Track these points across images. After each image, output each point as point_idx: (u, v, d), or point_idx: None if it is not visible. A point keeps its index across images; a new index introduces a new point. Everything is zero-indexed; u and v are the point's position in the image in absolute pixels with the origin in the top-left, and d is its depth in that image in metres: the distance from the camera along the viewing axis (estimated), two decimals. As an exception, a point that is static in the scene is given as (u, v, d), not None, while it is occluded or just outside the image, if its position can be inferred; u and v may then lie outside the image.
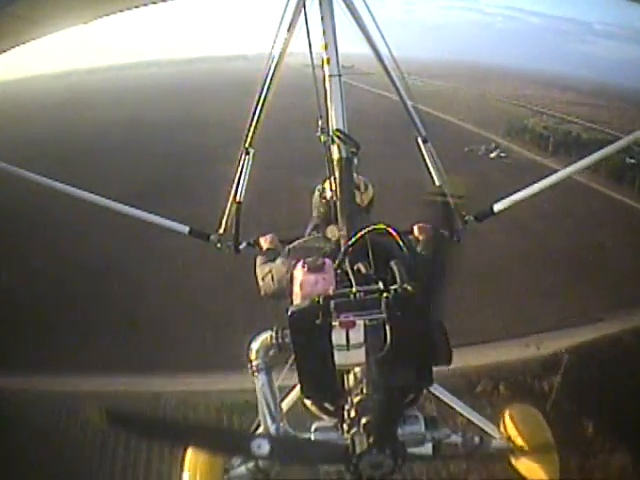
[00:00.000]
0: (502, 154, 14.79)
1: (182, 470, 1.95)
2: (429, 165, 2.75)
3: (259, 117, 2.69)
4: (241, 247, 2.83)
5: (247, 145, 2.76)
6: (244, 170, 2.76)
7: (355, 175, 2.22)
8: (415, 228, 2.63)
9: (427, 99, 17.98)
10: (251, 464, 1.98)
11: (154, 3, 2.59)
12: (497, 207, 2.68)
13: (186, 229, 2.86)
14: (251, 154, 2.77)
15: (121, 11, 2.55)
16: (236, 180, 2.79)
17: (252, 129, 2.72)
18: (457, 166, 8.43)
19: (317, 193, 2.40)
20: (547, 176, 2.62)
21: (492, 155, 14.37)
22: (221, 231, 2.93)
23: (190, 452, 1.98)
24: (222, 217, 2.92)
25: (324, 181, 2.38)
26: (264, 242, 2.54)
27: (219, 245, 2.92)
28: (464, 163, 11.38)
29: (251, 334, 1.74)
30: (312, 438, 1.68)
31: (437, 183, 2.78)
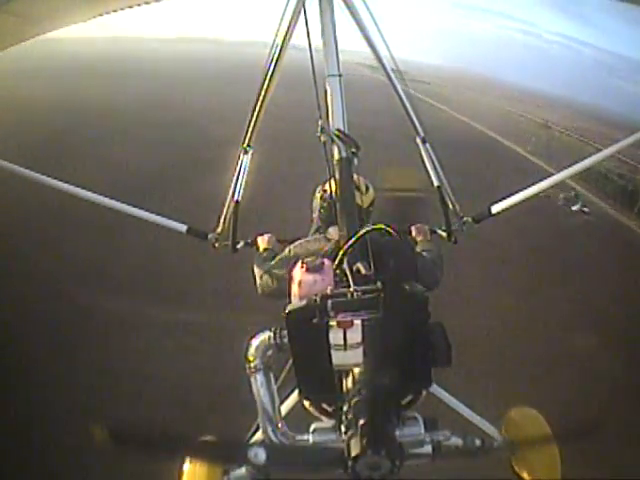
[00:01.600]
0: (585, 208, 10.54)
1: (181, 470, 1.94)
2: (427, 166, 2.75)
3: (258, 115, 2.69)
4: (238, 246, 2.82)
5: (246, 144, 2.76)
6: (242, 169, 2.77)
7: (356, 176, 2.21)
8: (413, 229, 2.63)
9: (490, 121, 16.72)
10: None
11: (156, 0, 2.58)
12: (495, 208, 2.67)
13: (184, 228, 2.86)
14: (250, 153, 2.77)
15: (122, 9, 2.55)
16: (234, 179, 2.79)
17: (251, 128, 2.72)
18: (532, 217, 7.42)
19: (317, 195, 2.40)
20: (547, 177, 2.61)
21: (574, 208, 10.25)
22: (219, 230, 2.93)
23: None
24: (220, 216, 2.92)
25: (324, 182, 2.37)
26: (262, 242, 2.55)
27: (216, 244, 2.92)
28: (539, 215, 8.07)
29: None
30: (310, 440, 1.67)
31: (435, 184, 2.78)
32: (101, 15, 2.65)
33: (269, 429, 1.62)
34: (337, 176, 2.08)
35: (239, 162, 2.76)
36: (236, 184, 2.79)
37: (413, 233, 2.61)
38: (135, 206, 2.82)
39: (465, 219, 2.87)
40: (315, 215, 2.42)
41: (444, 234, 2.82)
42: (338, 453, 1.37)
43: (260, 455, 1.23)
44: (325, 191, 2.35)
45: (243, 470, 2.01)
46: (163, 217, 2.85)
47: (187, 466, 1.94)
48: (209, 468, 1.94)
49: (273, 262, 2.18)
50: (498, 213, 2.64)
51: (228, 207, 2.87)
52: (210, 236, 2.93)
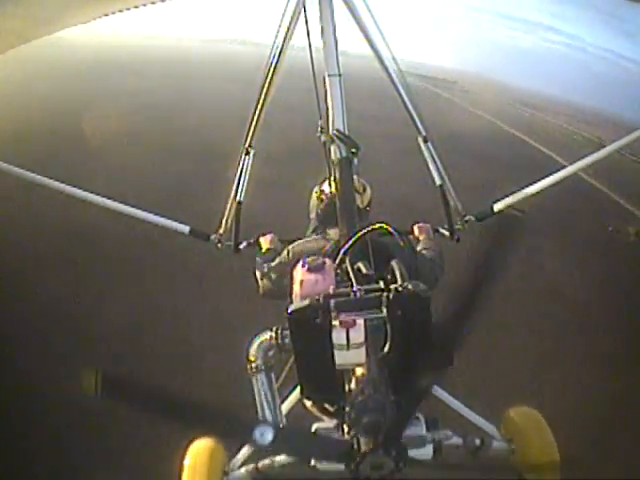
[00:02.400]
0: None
1: (181, 470, 1.94)
2: (430, 165, 2.76)
3: (259, 117, 2.70)
4: (241, 247, 2.83)
5: (247, 145, 2.76)
6: (244, 170, 2.77)
7: (354, 177, 2.22)
8: (415, 228, 2.64)
9: (545, 139, 14.54)
10: (251, 465, 1.98)
11: (153, 3, 2.59)
12: (497, 207, 2.68)
13: (186, 229, 2.86)
14: (251, 154, 2.77)
15: (120, 11, 2.56)
16: (236, 180, 2.80)
17: (252, 129, 2.72)
18: (597, 256, 6.63)
19: (314, 195, 2.40)
20: (547, 176, 2.62)
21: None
22: (221, 231, 2.94)
23: (189, 452, 1.98)
24: (222, 217, 2.93)
25: (322, 182, 2.38)
26: (264, 242, 2.55)
27: (219, 245, 2.93)
28: (605, 253, 6.76)
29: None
30: (314, 434, 1.67)
31: (438, 183, 2.78)
32: (100, 17, 2.66)
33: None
34: (337, 176, 2.09)
35: (240, 163, 2.77)
36: (238, 185, 2.80)
37: (416, 232, 2.61)
38: (138, 207, 2.83)
39: (468, 217, 2.88)
40: (312, 215, 2.42)
41: (447, 233, 2.84)
42: (344, 447, 1.37)
43: (267, 435, 1.22)
44: (322, 191, 2.35)
45: (242, 471, 2.02)
46: (165, 218, 2.86)
47: (187, 464, 1.95)
48: (209, 467, 1.94)
49: (273, 263, 2.18)
50: (500, 211, 2.65)
51: (230, 208, 2.88)
52: (212, 237, 2.93)
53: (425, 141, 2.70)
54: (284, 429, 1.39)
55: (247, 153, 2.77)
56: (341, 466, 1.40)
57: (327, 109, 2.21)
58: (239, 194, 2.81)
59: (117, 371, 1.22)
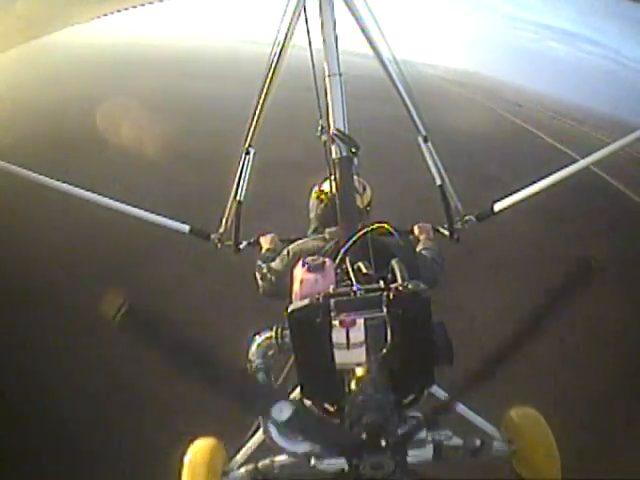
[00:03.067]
0: None
1: (181, 470, 1.94)
2: (430, 164, 2.76)
3: (259, 117, 2.70)
4: (241, 247, 2.83)
5: (247, 144, 2.76)
6: (244, 170, 2.77)
7: (355, 176, 2.22)
8: (415, 228, 2.64)
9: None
10: (251, 465, 1.98)
11: (150, 3, 2.58)
12: (498, 207, 2.68)
13: (186, 228, 2.86)
14: (251, 154, 2.77)
15: (119, 11, 2.55)
16: (236, 179, 2.80)
17: (252, 129, 2.73)
18: None
19: (314, 194, 2.40)
20: (548, 175, 2.61)
21: None
22: (221, 230, 2.94)
23: (189, 452, 1.98)
24: (222, 217, 2.93)
25: (322, 182, 2.38)
26: (264, 242, 2.55)
27: (219, 245, 2.93)
28: None
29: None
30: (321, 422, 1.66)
31: (438, 182, 2.78)
32: (99, 17, 2.65)
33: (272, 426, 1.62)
34: (337, 176, 2.08)
35: (241, 162, 2.77)
36: (238, 184, 2.80)
37: (416, 232, 2.61)
38: (137, 207, 2.83)
39: (467, 218, 2.88)
40: (312, 215, 2.42)
41: (447, 232, 2.83)
42: (350, 440, 1.36)
43: (285, 412, 1.19)
44: (322, 191, 2.35)
45: (242, 471, 2.02)
46: (165, 217, 2.86)
47: (187, 463, 1.95)
48: (209, 466, 1.95)
49: (274, 262, 2.18)
50: (500, 211, 2.65)
51: (230, 207, 2.88)
52: (213, 236, 2.93)
53: (425, 141, 2.70)
54: (304, 410, 1.36)
55: (247, 153, 2.77)
56: (341, 463, 1.40)
57: (327, 109, 2.21)
58: (239, 194, 2.81)
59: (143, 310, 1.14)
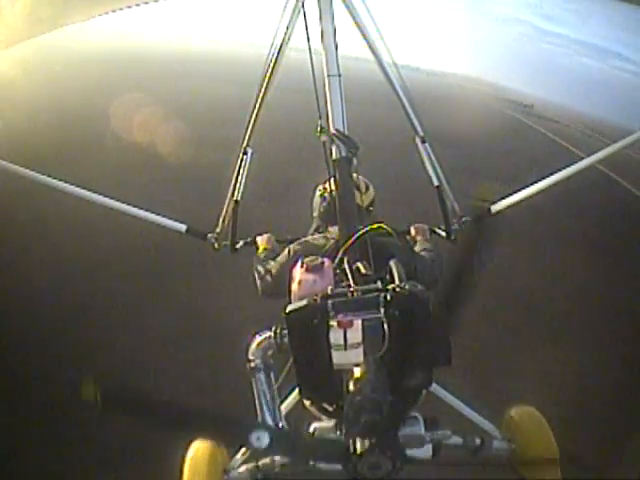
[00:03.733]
0: None
1: (181, 470, 1.95)
2: (427, 165, 2.76)
3: (257, 117, 2.70)
4: (238, 246, 2.83)
5: (245, 145, 2.77)
6: (241, 170, 2.78)
7: (355, 176, 2.22)
8: (412, 228, 2.64)
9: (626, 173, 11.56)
10: (251, 464, 1.98)
11: (146, 3, 2.58)
12: (495, 208, 2.68)
13: (183, 227, 2.87)
14: (249, 154, 2.78)
15: (120, 9, 2.55)
16: (233, 179, 2.80)
17: (249, 129, 2.73)
18: None
19: (317, 193, 2.41)
20: (548, 176, 2.61)
21: None
22: (218, 230, 2.94)
23: (190, 452, 1.98)
24: (219, 216, 2.94)
25: (325, 181, 2.38)
26: (261, 241, 2.56)
27: (216, 244, 2.93)
28: None
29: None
30: (312, 436, 1.68)
31: (435, 183, 2.78)
32: (100, 15, 2.66)
33: (269, 427, 1.62)
34: (337, 176, 2.09)
35: (238, 162, 2.78)
36: (235, 184, 2.81)
37: (412, 233, 2.61)
38: (134, 205, 2.83)
39: (465, 219, 2.88)
40: (315, 214, 2.43)
41: (444, 234, 2.83)
42: (341, 448, 1.37)
43: (263, 439, 1.22)
44: (325, 190, 2.36)
45: (243, 469, 2.02)
46: (162, 217, 2.86)
47: (187, 463, 1.95)
48: (209, 466, 1.95)
49: (273, 262, 2.19)
50: (497, 213, 2.65)
51: (227, 207, 2.89)
52: (209, 236, 2.94)
53: (423, 142, 2.70)
54: (281, 432, 1.39)
55: (245, 153, 2.78)
56: (339, 466, 1.41)
57: (327, 109, 2.21)
58: (236, 193, 2.81)
59: (116, 382, 1.24)
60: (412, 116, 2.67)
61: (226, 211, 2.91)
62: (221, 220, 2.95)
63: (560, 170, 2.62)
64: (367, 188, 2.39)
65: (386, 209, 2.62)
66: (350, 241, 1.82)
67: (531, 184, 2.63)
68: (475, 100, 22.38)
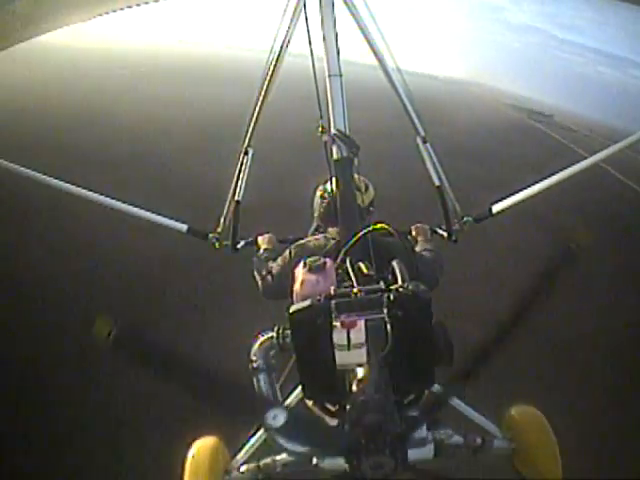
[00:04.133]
0: None
1: (182, 470, 1.95)
2: (428, 165, 2.76)
3: (258, 117, 2.70)
4: (239, 246, 2.83)
5: (246, 145, 2.78)
6: (243, 170, 2.78)
7: (356, 176, 2.22)
8: (412, 228, 2.65)
9: None
10: (253, 464, 1.99)
11: (146, 3, 2.58)
12: (496, 208, 2.68)
13: (184, 227, 2.87)
14: (250, 154, 2.78)
15: (122, 9, 2.55)
16: (234, 179, 2.81)
17: (250, 129, 2.74)
18: None
19: (318, 194, 2.41)
20: (546, 177, 2.62)
21: None
22: (219, 230, 2.95)
23: (191, 452, 1.99)
24: (220, 216, 2.94)
25: (325, 181, 2.38)
26: (262, 241, 2.56)
27: (217, 244, 2.93)
28: None
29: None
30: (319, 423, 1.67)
31: (436, 184, 2.78)
32: (100, 15, 2.65)
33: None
34: (337, 176, 2.09)
35: (239, 162, 2.78)
36: (236, 184, 2.81)
37: (413, 233, 2.62)
38: (135, 205, 2.83)
39: (465, 219, 2.88)
40: (316, 214, 2.43)
41: (444, 234, 2.84)
42: (350, 441, 1.36)
43: (279, 418, 1.20)
44: (325, 190, 2.36)
45: (244, 468, 2.03)
46: (163, 217, 2.87)
47: (189, 462, 1.96)
48: (211, 465, 1.95)
49: (275, 262, 2.19)
50: (498, 213, 2.65)
51: (229, 207, 2.89)
52: (210, 236, 2.94)
53: (424, 142, 2.70)
54: (296, 414, 1.37)
55: (246, 153, 2.78)
56: (342, 462, 1.41)
57: (328, 109, 2.21)
58: (237, 193, 2.82)
59: (132, 326, 1.18)
60: (413, 116, 2.67)
61: (227, 211, 2.91)
62: (222, 220, 2.95)
63: (560, 170, 2.63)
64: (367, 188, 2.39)
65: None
66: (352, 241, 1.82)
67: (529, 186, 2.63)
68: (494, 110, 22.42)
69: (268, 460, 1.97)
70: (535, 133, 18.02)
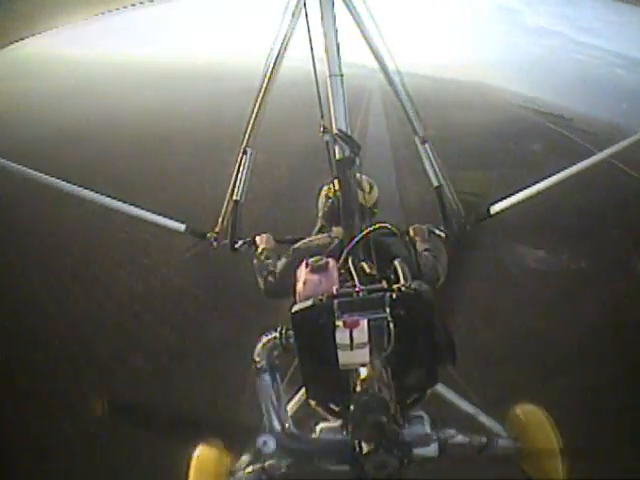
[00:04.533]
0: None
1: (187, 472, 1.94)
2: (427, 166, 2.75)
3: (257, 117, 2.70)
4: (237, 246, 2.83)
5: (245, 145, 2.77)
6: (242, 169, 2.78)
7: (359, 175, 2.22)
8: (410, 229, 2.64)
9: None
10: (257, 466, 1.98)
11: (151, 0, 2.58)
12: (494, 209, 2.68)
13: (182, 227, 2.87)
14: (249, 154, 2.78)
15: (125, 7, 2.54)
16: (233, 179, 2.80)
17: (250, 129, 2.73)
18: None
19: (322, 193, 2.41)
20: (545, 178, 2.61)
21: None
22: (217, 229, 2.94)
23: (195, 454, 1.98)
24: (219, 216, 2.94)
25: (330, 181, 2.38)
26: (260, 241, 2.56)
27: (215, 244, 2.93)
28: None
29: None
30: (318, 438, 1.67)
31: (435, 184, 2.78)
32: (102, 13, 2.64)
33: (277, 428, 1.62)
34: (339, 176, 2.09)
35: (238, 162, 2.78)
36: (235, 184, 2.80)
37: (411, 233, 2.61)
38: (133, 205, 2.84)
39: (465, 219, 2.87)
40: (319, 214, 2.44)
41: (443, 234, 2.83)
42: (347, 449, 1.37)
43: (269, 444, 1.22)
44: (330, 190, 2.36)
45: (249, 470, 2.02)
46: (161, 216, 2.87)
47: (193, 464, 1.95)
48: (215, 468, 1.95)
49: (278, 262, 2.19)
50: (497, 214, 2.65)
51: (227, 206, 2.89)
52: (209, 235, 2.94)
53: (423, 142, 2.69)
54: (286, 436, 1.39)
55: (245, 152, 2.77)
56: (345, 467, 1.41)
57: (329, 109, 2.21)
58: (236, 193, 2.81)
59: (122, 397, 1.26)
60: (412, 116, 2.67)
61: (225, 211, 2.91)
62: (220, 219, 2.95)
63: (558, 173, 2.62)
64: (371, 188, 2.39)
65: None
66: (354, 241, 1.82)
67: (529, 186, 2.63)
68: (514, 113, 22.32)
69: (273, 462, 1.97)
70: (553, 136, 17.98)
